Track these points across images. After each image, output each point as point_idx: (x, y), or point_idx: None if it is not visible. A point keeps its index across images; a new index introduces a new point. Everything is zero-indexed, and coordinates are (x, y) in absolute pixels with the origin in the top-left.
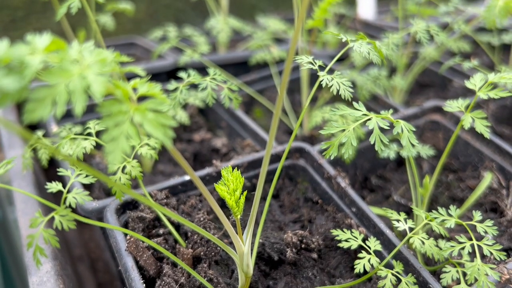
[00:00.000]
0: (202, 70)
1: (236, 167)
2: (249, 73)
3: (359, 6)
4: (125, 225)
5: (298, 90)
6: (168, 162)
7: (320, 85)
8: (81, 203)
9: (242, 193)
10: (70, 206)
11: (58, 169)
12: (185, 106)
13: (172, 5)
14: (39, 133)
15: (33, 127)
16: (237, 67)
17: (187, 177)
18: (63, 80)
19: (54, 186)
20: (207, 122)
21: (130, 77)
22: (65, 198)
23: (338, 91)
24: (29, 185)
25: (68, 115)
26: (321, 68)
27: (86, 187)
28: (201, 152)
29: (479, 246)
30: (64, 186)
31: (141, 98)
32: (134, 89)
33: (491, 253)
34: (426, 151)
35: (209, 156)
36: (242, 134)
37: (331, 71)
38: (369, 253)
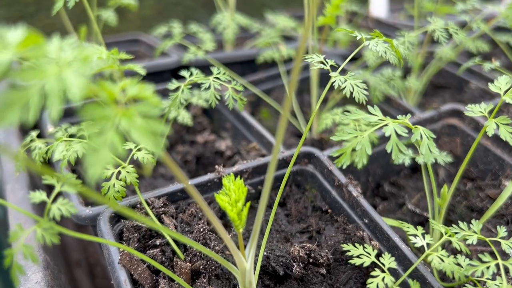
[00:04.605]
0: (207, 68)
1: (239, 174)
2: (256, 72)
3: (372, 4)
4: (120, 234)
5: (307, 91)
6: None
7: (331, 86)
8: (66, 215)
9: (245, 204)
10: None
11: (43, 177)
12: (188, 106)
13: (182, 3)
14: (33, 133)
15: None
16: (244, 66)
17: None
18: (38, 81)
19: (37, 196)
20: (211, 123)
21: (133, 74)
22: (49, 210)
23: (351, 93)
24: (23, 188)
25: (66, 114)
26: (333, 68)
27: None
28: (204, 155)
29: (504, 266)
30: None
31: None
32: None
33: None
34: (444, 157)
35: (213, 159)
36: (248, 136)
37: (343, 72)
38: (383, 271)
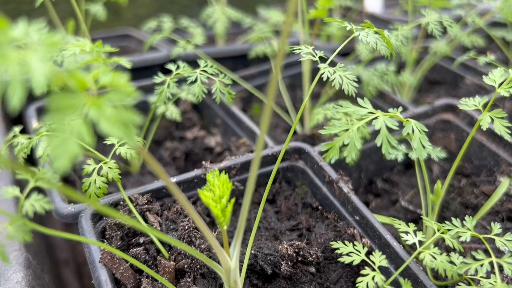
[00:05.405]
0: (197, 63)
1: (227, 170)
2: (248, 67)
3: None
4: (103, 232)
5: (300, 86)
6: (158, 161)
7: (323, 80)
8: (40, 211)
9: (229, 200)
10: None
11: (17, 171)
12: (177, 102)
13: (178, 1)
14: (16, 129)
15: (16, 121)
16: (236, 61)
17: (173, 179)
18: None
19: (9, 192)
20: (201, 118)
21: (123, 69)
22: (22, 206)
23: (340, 85)
24: (7, 185)
25: None
26: (323, 60)
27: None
28: (194, 151)
29: (498, 264)
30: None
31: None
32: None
33: None
34: (438, 153)
35: (202, 156)
36: (238, 132)
37: (333, 64)
38: (374, 270)
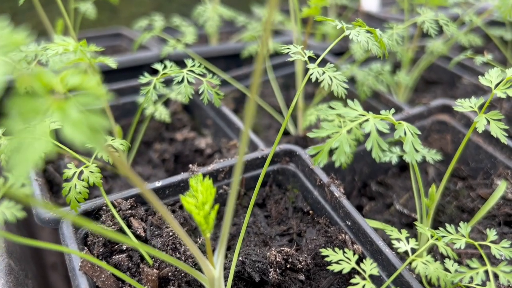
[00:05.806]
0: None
1: (215, 173)
2: (241, 67)
3: None
4: (85, 238)
5: (295, 86)
6: (147, 164)
7: (316, 80)
8: (10, 219)
9: (213, 207)
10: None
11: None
12: (167, 102)
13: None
14: None
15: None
16: (229, 60)
17: (158, 184)
18: None
19: None
20: (192, 119)
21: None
22: None
23: (331, 87)
24: None
25: None
26: (313, 60)
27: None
28: (183, 153)
29: (493, 272)
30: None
31: None
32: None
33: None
34: (433, 155)
35: (192, 158)
36: (229, 133)
37: (324, 64)
38: (364, 278)
